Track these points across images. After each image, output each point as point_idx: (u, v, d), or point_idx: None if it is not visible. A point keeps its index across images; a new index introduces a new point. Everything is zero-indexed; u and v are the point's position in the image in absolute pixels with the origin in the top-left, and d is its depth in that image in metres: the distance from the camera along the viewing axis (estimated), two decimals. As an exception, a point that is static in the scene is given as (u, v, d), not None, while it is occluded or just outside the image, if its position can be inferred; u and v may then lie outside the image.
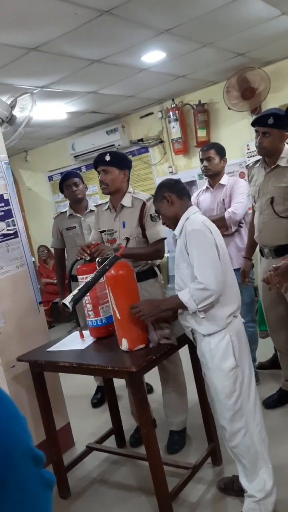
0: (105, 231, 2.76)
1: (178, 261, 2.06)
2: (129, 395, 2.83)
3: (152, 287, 2.74)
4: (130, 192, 2.72)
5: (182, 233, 2.02)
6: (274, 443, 2.28)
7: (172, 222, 2.12)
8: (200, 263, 1.91)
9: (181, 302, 1.93)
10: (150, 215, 2.63)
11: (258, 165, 2.86)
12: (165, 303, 2.08)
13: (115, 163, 2.63)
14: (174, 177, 5.52)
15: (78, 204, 3.52)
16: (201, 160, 3.37)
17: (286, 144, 2.72)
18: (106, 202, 2.80)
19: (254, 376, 2.06)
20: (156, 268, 2.81)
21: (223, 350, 1.95)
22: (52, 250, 3.92)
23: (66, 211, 3.57)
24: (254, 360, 3.30)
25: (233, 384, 1.96)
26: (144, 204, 2.65)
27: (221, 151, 3.32)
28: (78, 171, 6.37)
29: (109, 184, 2.64)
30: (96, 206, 2.93)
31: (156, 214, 2.54)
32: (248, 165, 3.02)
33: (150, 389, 3.51)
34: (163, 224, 2.22)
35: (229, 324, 1.97)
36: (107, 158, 2.62)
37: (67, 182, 3.50)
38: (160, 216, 2.22)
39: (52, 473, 0.73)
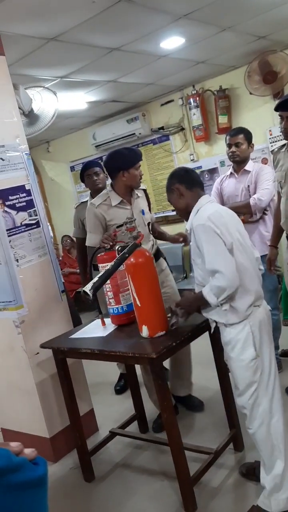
0: (125, 223, 2.78)
1: (194, 256, 2.06)
2: (145, 381, 2.88)
3: (162, 265, 3.07)
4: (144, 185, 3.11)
5: (192, 228, 2.02)
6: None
7: (184, 214, 2.12)
8: (209, 257, 1.91)
9: (204, 297, 1.94)
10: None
11: (284, 149, 2.81)
12: (196, 301, 2.06)
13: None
14: (196, 165, 5.50)
15: (98, 193, 3.53)
16: (229, 145, 3.31)
17: None
18: (106, 199, 2.83)
19: (275, 366, 2.04)
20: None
21: (243, 340, 1.95)
22: (75, 239, 3.96)
23: (87, 201, 3.59)
24: (277, 347, 3.28)
25: (253, 374, 1.95)
26: (145, 190, 3.05)
27: (249, 136, 3.27)
28: (100, 161, 6.39)
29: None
30: (97, 206, 2.85)
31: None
32: (273, 150, 2.98)
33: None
34: (177, 214, 2.21)
35: (249, 315, 1.96)
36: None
37: (87, 171, 3.52)
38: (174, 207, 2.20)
39: (44, 461, 0.72)
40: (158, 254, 3.05)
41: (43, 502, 0.68)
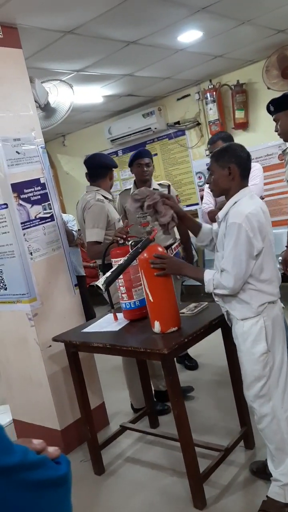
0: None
1: (219, 245, 2.02)
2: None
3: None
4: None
5: (226, 218, 1.95)
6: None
7: (219, 192, 2.05)
8: (228, 257, 1.89)
9: (202, 278, 1.97)
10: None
11: None
12: (188, 270, 2.11)
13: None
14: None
15: (144, 184, 3.47)
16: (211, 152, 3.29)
17: None
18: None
19: (287, 362, 2.03)
20: None
21: (255, 334, 1.93)
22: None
23: (130, 188, 3.57)
24: None
25: (263, 369, 1.94)
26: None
27: (229, 140, 3.20)
28: (115, 155, 6.38)
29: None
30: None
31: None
32: (285, 149, 2.92)
33: (195, 365, 3.67)
34: (210, 186, 2.10)
35: (264, 310, 1.94)
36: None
37: (139, 160, 3.47)
38: (211, 177, 2.06)
39: (68, 461, 0.70)
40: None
41: (65, 502, 0.67)
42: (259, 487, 2.23)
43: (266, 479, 2.22)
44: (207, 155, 5.54)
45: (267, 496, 2.04)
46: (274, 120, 2.63)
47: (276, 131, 2.64)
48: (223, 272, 1.90)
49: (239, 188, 1.99)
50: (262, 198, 3.13)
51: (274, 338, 1.95)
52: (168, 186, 3.13)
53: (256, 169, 3.18)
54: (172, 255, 2.77)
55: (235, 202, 1.96)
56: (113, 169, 3.19)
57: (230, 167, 1.95)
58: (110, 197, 3.08)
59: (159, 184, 3.62)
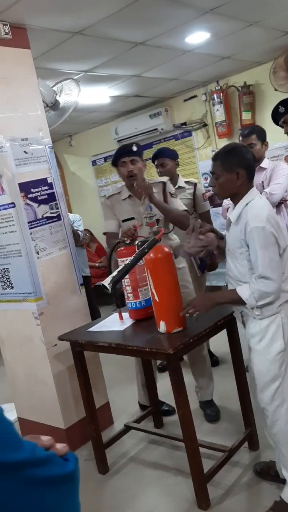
0: (132, 218, 2.85)
1: (233, 248, 1.98)
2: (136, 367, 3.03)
3: (179, 264, 2.89)
4: (147, 179, 2.92)
5: (240, 220, 1.92)
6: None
7: (224, 195, 2.03)
8: (264, 263, 1.84)
9: (239, 297, 1.90)
10: (169, 192, 2.88)
11: None
12: (221, 297, 2.05)
13: (140, 154, 2.83)
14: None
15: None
16: None
17: None
18: (119, 192, 2.93)
19: None
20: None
21: (273, 332, 1.91)
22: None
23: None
24: None
25: (279, 368, 1.92)
26: (164, 184, 2.89)
27: (262, 135, 3.17)
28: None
29: (138, 173, 2.79)
30: (108, 197, 2.97)
31: (174, 192, 2.88)
32: None
33: (216, 361, 3.65)
34: (214, 190, 2.08)
35: (281, 308, 1.92)
36: (134, 148, 2.77)
37: (158, 161, 3.54)
38: (216, 181, 1.99)
39: (76, 458, 0.70)
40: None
41: (72, 499, 0.67)
42: (263, 488, 2.23)
43: (270, 480, 2.22)
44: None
45: (280, 497, 2.04)
46: (284, 122, 2.60)
47: (286, 133, 2.63)
48: (261, 279, 1.85)
49: (247, 190, 1.97)
50: (285, 200, 3.12)
51: None
52: (163, 184, 2.89)
53: (281, 168, 3.12)
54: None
55: (247, 204, 1.93)
56: (116, 167, 2.98)
57: (238, 172, 1.92)
58: (125, 196, 2.94)
59: (186, 182, 3.59)
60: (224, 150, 2.01)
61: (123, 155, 2.80)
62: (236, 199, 1.99)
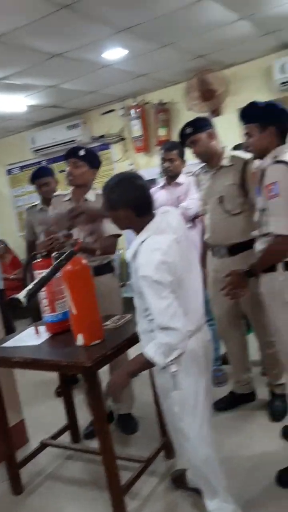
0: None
1: (133, 286, 1.81)
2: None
3: (109, 281, 2.81)
4: (94, 189, 2.82)
5: (136, 259, 1.71)
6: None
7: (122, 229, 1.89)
8: (160, 312, 1.63)
9: (146, 360, 1.68)
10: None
11: (204, 170, 2.79)
12: (129, 365, 1.89)
13: (88, 160, 2.73)
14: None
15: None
16: (163, 159, 3.38)
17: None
18: (66, 194, 2.87)
19: (204, 397, 1.88)
20: (112, 263, 2.86)
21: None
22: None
23: (37, 204, 3.71)
24: (217, 359, 3.27)
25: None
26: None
27: (182, 152, 3.34)
28: (38, 166, 6.28)
29: (76, 177, 2.73)
30: (28, 208, 2.96)
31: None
32: (195, 172, 2.99)
33: None
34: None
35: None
36: (81, 153, 2.71)
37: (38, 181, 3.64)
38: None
39: None
40: (105, 268, 2.80)
41: None
42: (179, 496, 2.27)
43: (184, 488, 2.27)
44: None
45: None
46: (191, 142, 2.62)
47: (194, 153, 2.67)
48: (161, 331, 1.64)
49: (142, 226, 1.76)
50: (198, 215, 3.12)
51: (188, 374, 1.81)
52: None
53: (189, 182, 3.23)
54: None
55: (142, 242, 1.72)
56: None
57: (119, 213, 1.76)
58: (66, 198, 2.88)
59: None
60: (107, 185, 1.80)
61: (69, 156, 2.75)
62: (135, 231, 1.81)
